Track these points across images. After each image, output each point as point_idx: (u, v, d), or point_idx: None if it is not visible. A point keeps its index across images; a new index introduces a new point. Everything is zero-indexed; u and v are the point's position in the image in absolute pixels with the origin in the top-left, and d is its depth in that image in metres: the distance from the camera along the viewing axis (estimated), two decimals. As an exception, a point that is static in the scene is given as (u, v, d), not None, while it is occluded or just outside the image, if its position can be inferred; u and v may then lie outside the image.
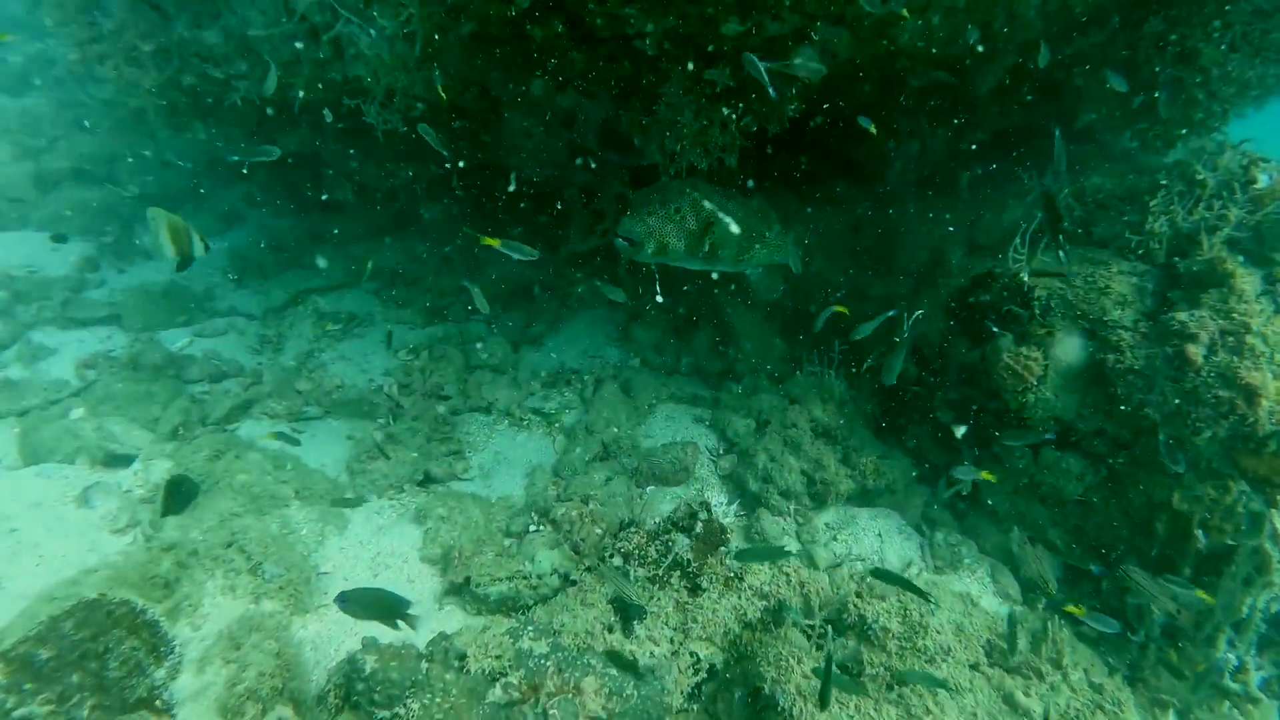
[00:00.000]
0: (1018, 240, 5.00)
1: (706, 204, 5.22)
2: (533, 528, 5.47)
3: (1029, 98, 6.26)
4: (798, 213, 8.39)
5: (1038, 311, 4.88)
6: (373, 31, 4.85)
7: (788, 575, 4.41)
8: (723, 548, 4.49)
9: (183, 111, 6.59)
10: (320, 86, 5.69)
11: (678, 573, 4.40)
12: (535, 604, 4.64)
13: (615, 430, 6.34)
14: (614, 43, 5.74)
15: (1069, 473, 4.96)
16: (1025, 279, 4.92)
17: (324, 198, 10.33)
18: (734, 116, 5.66)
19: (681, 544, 4.46)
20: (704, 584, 4.35)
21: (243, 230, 9.86)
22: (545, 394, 6.88)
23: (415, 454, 5.97)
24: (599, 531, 5.18)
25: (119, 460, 5.79)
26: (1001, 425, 5.19)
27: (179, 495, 5.22)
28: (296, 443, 6.09)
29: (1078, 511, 5.00)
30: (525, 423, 6.51)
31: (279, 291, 8.15)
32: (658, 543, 4.52)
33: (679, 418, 6.71)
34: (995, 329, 5.07)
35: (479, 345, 7.30)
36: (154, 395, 6.34)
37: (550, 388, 6.99)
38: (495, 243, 4.46)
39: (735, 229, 5.35)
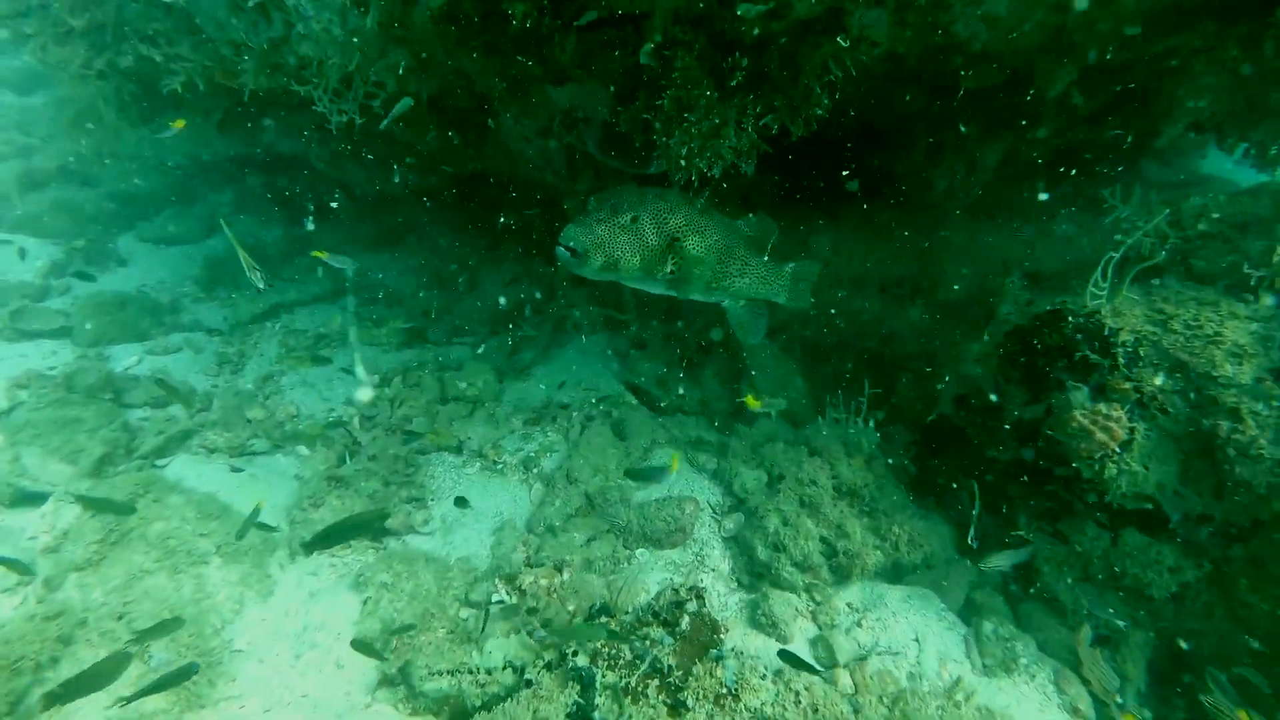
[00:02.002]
0: (1098, 273, 4.02)
1: (672, 217, 4.29)
2: (496, 597, 4.57)
3: (1105, 105, 5.29)
4: (823, 234, 7.49)
5: (1122, 361, 3.89)
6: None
7: (797, 694, 3.44)
8: (714, 650, 3.54)
9: (132, 103, 5.86)
10: (269, 73, 4.91)
11: (656, 682, 3.46)
12: (480, 708, 3.72)
13: (602, 479, 5.42)
14: (611, 26, 4.90)
15: (1159, 564, 3.95)
16: (1107, 320, 3.94)
17: (310, 207, 9.66)
18: (752, 114, 4.77)
19: (663, 643, 3.52)
20: (688, 700, 3.40)
21: (224, 237, 9.15)
22: (526, 432, 5.99)
23: (366, 501, 5.10)
24: (570, 610, 4.25)
25: (29, 499, 4.99)
26: (1071, 496, 4.19)
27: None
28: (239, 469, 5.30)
29: (1171, 611, 3.97)
30: (500, 466, 5.62)
31: (248, 305, 7.39)
32: (634, 639, 3.59)
33: (678, 465, 5.77)
34: (1066, 379, 4.09)
35: (458, 373, 6.44)
36: (82, 422, 5.55)
37: (534, 425, 6.10)
38: (323, 254, 4.16)
39: (707, 252, 4.40)
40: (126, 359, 6.56)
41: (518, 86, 5.81)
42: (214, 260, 8.08)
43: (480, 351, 6.86)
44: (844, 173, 7.05)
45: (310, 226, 8.47)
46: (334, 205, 9.09)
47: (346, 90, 4.61)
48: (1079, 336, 4.07)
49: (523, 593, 4.56)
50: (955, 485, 5.03)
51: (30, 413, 5.56)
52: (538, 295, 7.89)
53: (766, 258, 4.91)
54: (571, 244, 4.07)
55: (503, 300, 7.37)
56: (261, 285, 4.22)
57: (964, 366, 5.09)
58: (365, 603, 4.42)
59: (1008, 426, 4.58)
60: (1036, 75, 4.99)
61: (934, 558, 4.99)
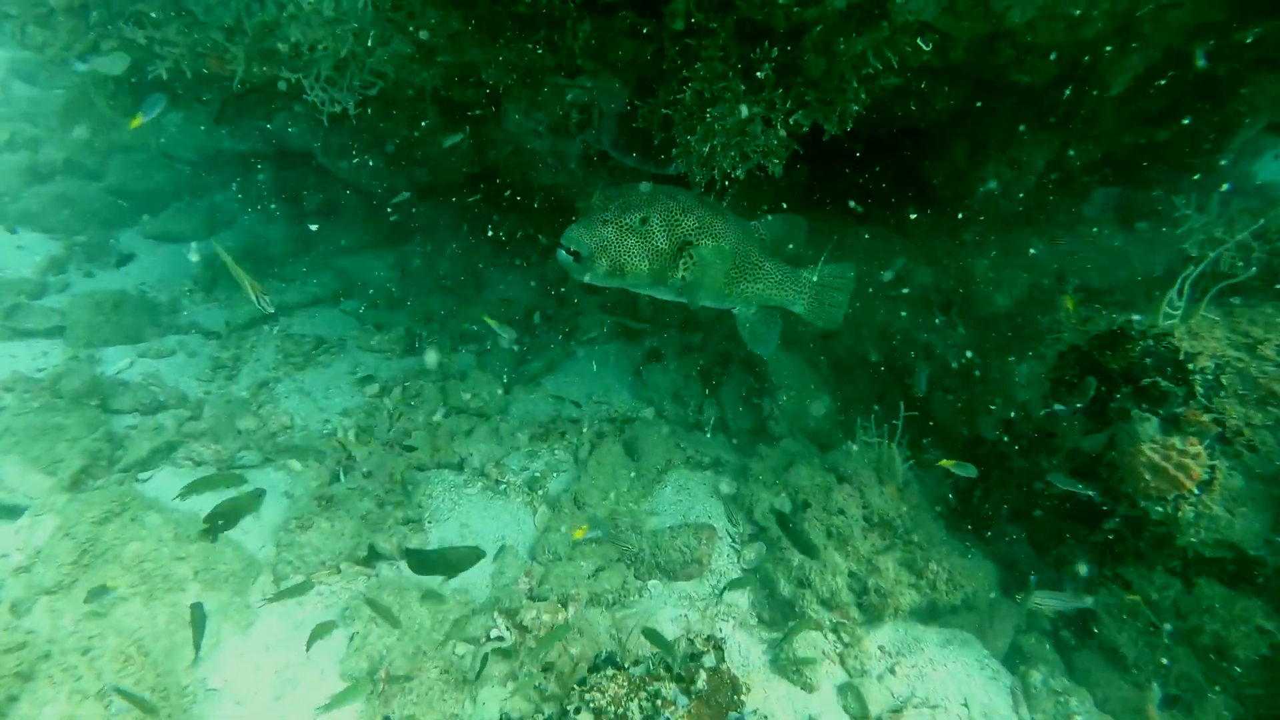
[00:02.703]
0: (1174, 290, 3.56)
1: (685, 219, 3.89)
2: (495, 632, 4.19)
3: (1171, 103, 4.83)
4: (853, 240, 7.06)
5: (1200, 390, 3.44)
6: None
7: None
8: (734, 714, 3.13)
9: (121, 91, 5.55)
10: (261, 60, 4.55)
11: (669, 750, 3.05)
12: (471, 768, 3.34)
13: (611, 503, 5.02)
14: (630, 11, 4.51)
15: (1245, 622, 3.48)
16: (1183, 344, 3.48)
17: (315, 203, 9.35)
18: (782, 110, 4.36)
19: (677, 703, 3.11)
20: (705, 773, 2.99)
21: (228, 235, 8.86)
22: (532, 449, 5.60)
23: (359, 522, 4.73)
24: (573, 655, 3.86)
25: (5, 512, 4.69)
26: (1137, 538, 3.73)
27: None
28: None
29: (1259, 677, 3.50)
30: (503, 487, 5.23)
31: (246, 306, 7.06)
32: (642, 696, 3.19)
33: (695, 489, 5.36)
34: (1132, 408, 3.64)
35: (461, 383, 6.06)
36: (65, 430, 5.22)
37: (540, 441, 5.71)
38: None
39: (722, 257, 4.01)
40: (118, 362, 6.24)
41: (527, 77, 5.43)
42: (215, 259, 7.76)
43: (484, 359, 6.49)
44: (865, 179, 6.63)
45: (313, 227, 8.16)
46: (315, 220, 8.80)
47: (340, 78, 4.24)
48: (1148, 360, 3.62)
49: (524, 630, 4.17)
50: (1001, 518, 4.58)
51: (12, 418, 5.25)
52: (548, 301, 7.52)
53: (782, 261, 4.49)
54: (574, 246, 3.68)
55: (512, 306, 7.01)
56: (270, 309, 3.86)
57: (1010, 387, 4.64)
58: (352, 638, 4.04)
59: (1062, 457, 4.13)
60: (1098, 70, 4.54)
61: (976, 598, 4.54)
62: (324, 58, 4.17)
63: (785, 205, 6.27)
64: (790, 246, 4.47)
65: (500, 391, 6.11)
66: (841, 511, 4.76)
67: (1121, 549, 3.89)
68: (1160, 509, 3.51)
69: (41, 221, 8.60)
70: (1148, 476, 3.52)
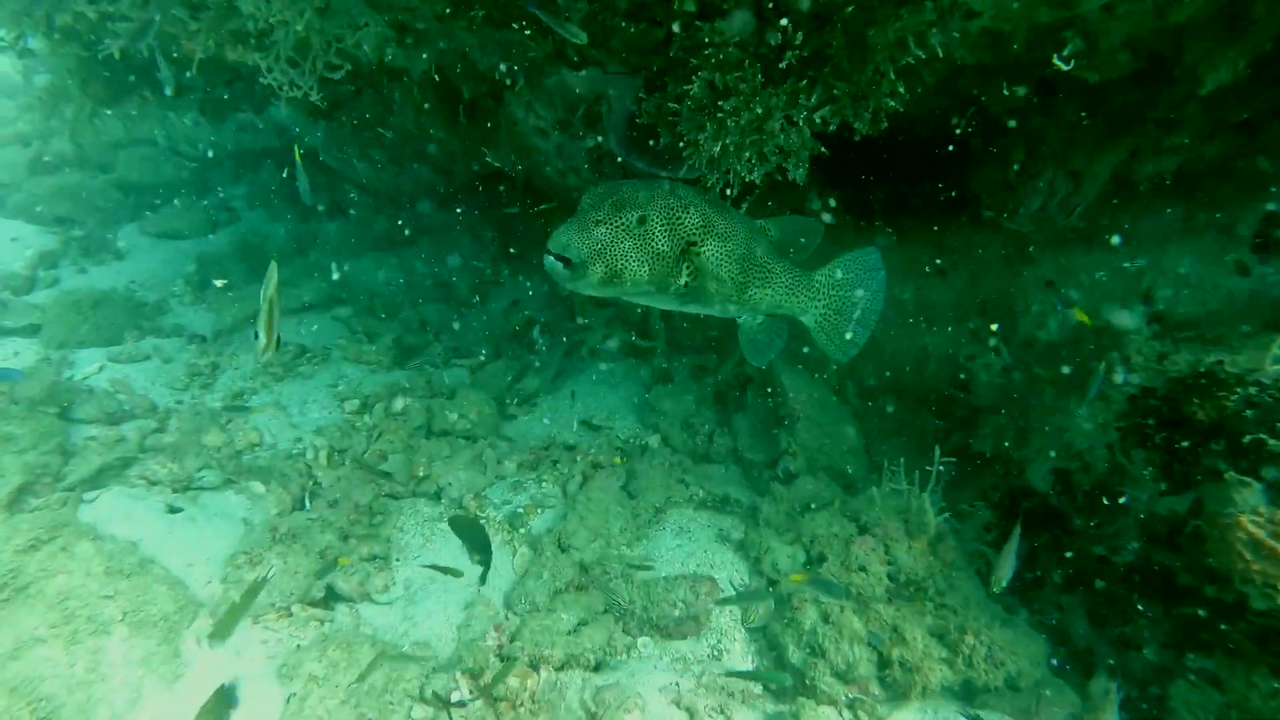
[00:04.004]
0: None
1: (687, 217, 3.44)
2: (456, 695, 3.64)
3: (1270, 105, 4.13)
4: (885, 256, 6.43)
5: (1318, 453, 2.76)
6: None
7: None
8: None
9: (91, 76, 5.15)
10: (228, 40, 4.09)
11: None
12: None
13: (601, 546, 4.44)
14: (632, -11, 3.96)
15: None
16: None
17: (322, 203, 8.95)
18: (805, 106, 3.77)
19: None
20: None
21: (227, 233, 8.48)
22: (519, 480, 5.04)
23: (316, 559, 4.21)
24: (539, 734, 3.28)
25: (-64, 531, 4.26)
26: (1230, 627, 3.05)
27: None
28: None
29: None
30: (481, 522, 4.67)
31: (232, 309, 6.64)
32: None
33: (697, 533, 4.75)
34: (1227, 469, 2.97)
35: (450, 401, 5.54)
36: (14, 440, 4.80)
37: (529, 470, 5.15)
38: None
39: (728, 260, 3.55)
40: (87, 366, 5.84)
41: (527, 68, 4.91)
42: (207, 258, 7.38)
43: (477, 374, 5.96)
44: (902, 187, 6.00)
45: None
46: (320, 220, 8.38)
47: (303, 60, 3.74)
48: (1249, 413, 2.95)
49: (489, 697, 3.61)
50: (1052, 585, 3.90)
51: (-40, 426, 4.86)
52: (555, 312, 6.98)
53: (791, 264, 3.92)
54: (564, 252, 3.21)
55: (511, 317, 6.49)
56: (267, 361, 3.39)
57: (1065, 431, 3.96)
58: (289, 701, 3.51)
59: (1131, 520, 3.45)
60: (1185, 63, 3.87)
61: (1020, 678, 3.86)
62: (284, 37, 3.68)
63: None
64: (796, 251, 3.90)
65: (491, 411, 5.57)
66: (863, 568, 4.13)
67: (1209, 638, 3.20)
68: (1265, 599, 2.83)
69: (39, 214, 8.32)
70: (1248, 555, 2.85)
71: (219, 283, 6.74)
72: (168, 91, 4.67)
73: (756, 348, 3.79)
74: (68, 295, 6.44)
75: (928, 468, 4.14)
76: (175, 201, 8.88)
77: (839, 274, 3.95)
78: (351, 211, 8.64)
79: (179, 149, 9.85)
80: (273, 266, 2.84)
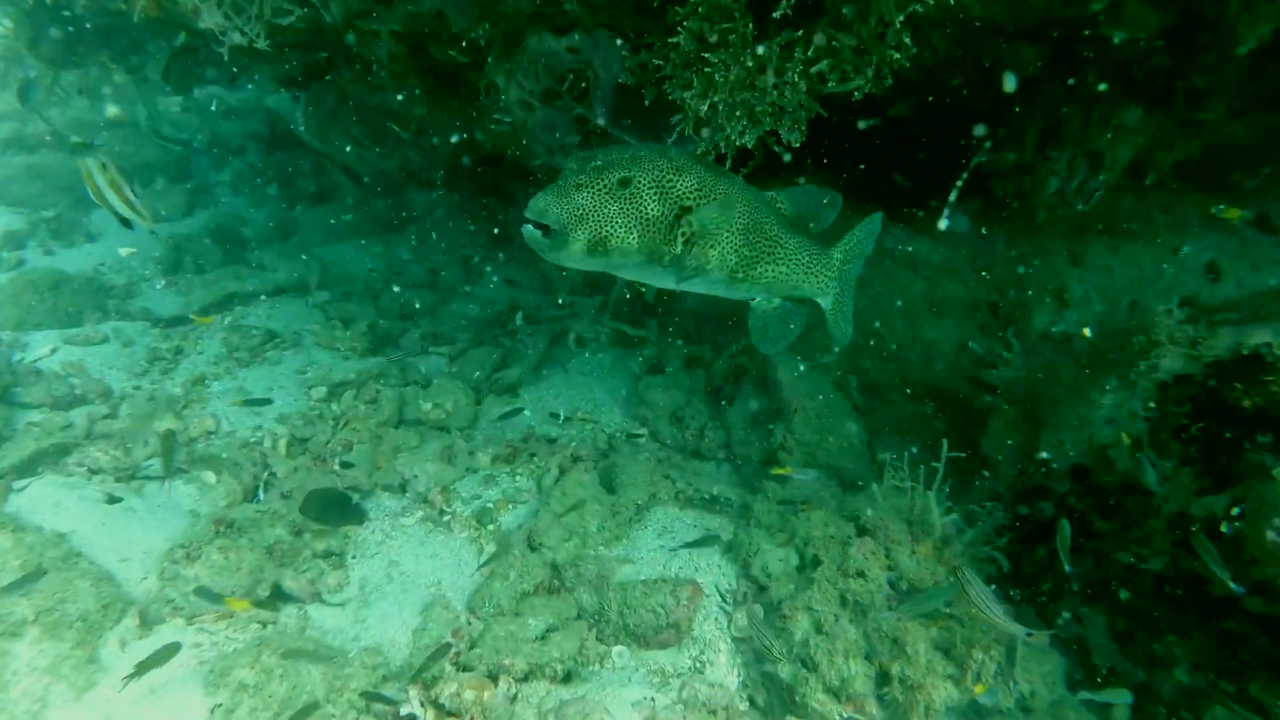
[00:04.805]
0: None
1: (680, 180, 3.09)
2: (405, 709, 3.28)
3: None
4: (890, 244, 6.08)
5: (1386, 445, 2.37)
6: None
7: None
8: None
9: (43, 39, 4.83)
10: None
11: None
12: None
13: (576, 545, 4.07)
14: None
15: None
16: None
17: (308, 186, 8.65)
18: (801, 59, 3.42)
19: None
20: None
21: (205, 215, 8.16)
22: (491, 473, 4.68)
23: (263, 554, 3.85)
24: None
25: None
26: (1276, 641, 2.67)
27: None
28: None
29: None
30: (446, 518, 4.31)
31: (202, 292, 6.30)
32: None
33: (681, 532, 4.38)
34: (1273, 463, 2.58)
35: (425, 390, 5.18)
36: (-51, 424, 4.49)
37: (505, 464, 4.79)
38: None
39: (728, 225, 3.21)
40: (40, 348, 5.50)
41: (506, 31, 4.58)
42: (179, 241, 7.05)
43: (456, 362, 5.60)
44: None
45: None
46: (305, 204, 8.04)
47: (247, 4, 3.40)
48: (1303, 400, 2.57)
49: (440, 710, 3.25)
50: (1069, 594, 3.51)
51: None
52: (532, 298, 6.63)
53: (809, 238, 3.58)
54: (541, 218, 2.92)
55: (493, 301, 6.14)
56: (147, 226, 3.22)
57: (1087, 424, 3.58)
58: (213, 712, 3.14)
59: (1161, 522, 3.07)
60: (1225, 19, 3.49)
61: (1034, 698, 3.48)
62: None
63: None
64: (812, 225, 3.55)
65: (468, 402, 5.21)
66: (861, 573, 3.75)
67: (1250, 657, 2.82)
68: (1317, 613, 2.45)
69: (8, 194, 8.02)
70: (1297, 564, 2.46)
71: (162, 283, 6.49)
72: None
73: (767, 334, 3.44)
74: (24, 275, 6.12)
75: (934, 464, 3.75)
76: (155, 184, 8.57)
77: (854, 247, 3.64)
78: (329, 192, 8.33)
79: (161, 131, 9.54)
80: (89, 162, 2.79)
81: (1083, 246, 5.45)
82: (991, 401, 4.52)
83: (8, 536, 3.58)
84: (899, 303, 6.00)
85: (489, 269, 7.26)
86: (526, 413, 5.30)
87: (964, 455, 3.82)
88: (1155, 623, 3.15)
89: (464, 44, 4.78)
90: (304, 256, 7.00)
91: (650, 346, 5.99)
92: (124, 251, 5.87)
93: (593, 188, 3.02)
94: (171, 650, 3.21)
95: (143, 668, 3.07)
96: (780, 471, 4.11)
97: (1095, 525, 3.34)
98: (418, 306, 6.42)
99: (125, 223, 3.37)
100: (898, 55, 3.38)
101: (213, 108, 9.98)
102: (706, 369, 5.82)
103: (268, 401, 5.06)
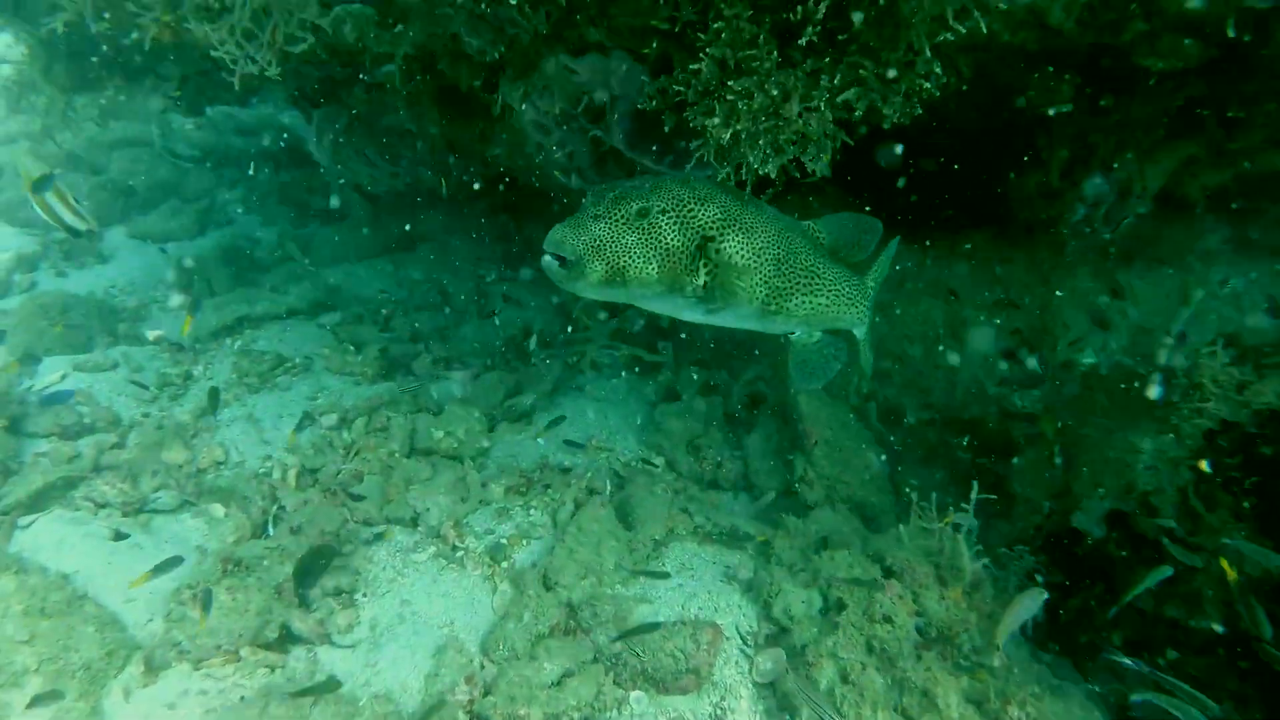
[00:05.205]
0: None
1: (702, 209, 3.07)
2: (418, 761, 3.15)
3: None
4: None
5: None
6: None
7: None
8: None
9: (56, 61, 4.78)
10: (189, 13, 3.68)
11: None
12: None
13: (592, 585, 3.95)
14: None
15: None
16: None
17: (320, 206, 8.60)
18: (828, 88, 3.31)
19: None
20: None
21: (217, 236, 8.11)
22: (505, 506, 4.57)
23: (271, 594, 3.75)
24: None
25: None
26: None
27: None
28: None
29: None
30: (460, 554, 4.20)
31: (212, 315, 6.23)
32: None
33: (701, 570, 4.25)
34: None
35: (436, 418, 5.08)
36: (-48, 456, 4.42)
37: (518, 495, 4.68)
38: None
39: (756, 256, 3.12)
40: (49, 375, 5.44)
41: (522, 51, 4.49)
42: (185, 262, 6.99)
43: (468, 389, 5.50)
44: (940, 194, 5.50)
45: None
46: (317, 224, 7.97)
47: (260, 31, 3.32)
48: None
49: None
50: (1109, 646, 3.36)
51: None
52: (557, 323, 6.53)
53: (846, 267, 3.50)
54: (559, 250, 2.90)
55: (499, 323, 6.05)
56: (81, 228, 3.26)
57: (1125, 468, 3.44)
58: (219, 767, 3.04)
59: (1213, 578, 2.92)
60: (1271, 48, 3.36)
61: (1070, 755, 3.33)
62: (242, 6, 3.25)
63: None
64: (852, 254, 3.47)
65: (480, 429, 5.11)
66: (888, 619, 3.61)
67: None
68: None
69: (21, 215, 7.99)
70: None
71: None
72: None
73: (807, 369, 3.36)
74: (35, 299, 6.07)
75: (963, 505, 3.62)
76: (166, 203, 8.53)
77: (883, 273, 3.58)
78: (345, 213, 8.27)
79: (175, 150, 9.53)
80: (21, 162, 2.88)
81: (1108, 275, 5.32)
82: (1020, 432, 4.38)
83: (11, 579, 3.49)
84: (918, 327, 5.89)
85: (504, 289, 7.17)
86: (540, 441, 5.19)
87: (994, 497, 3.67)
88: (1215, 686, 2.99)
89: (478, 65, 4.71)
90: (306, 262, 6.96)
91: (666, 372, 5.88)
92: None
93: (610, 218, 3.00)
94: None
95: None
96: None
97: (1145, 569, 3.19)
98: (429, 329, 6.33)
99: (74, 232, 3.41)
100: (928, 85, 3.28)
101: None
102: (724, 395, 5.71)
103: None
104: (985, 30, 3.08)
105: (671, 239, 3.03)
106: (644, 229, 3.01)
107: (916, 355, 5.84)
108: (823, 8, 3.20)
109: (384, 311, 6.51)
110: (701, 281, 3.10)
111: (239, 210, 8.98)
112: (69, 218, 3.47)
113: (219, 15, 3.42)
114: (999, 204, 5.41)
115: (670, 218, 3.03)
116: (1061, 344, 5.49)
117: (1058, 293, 5.45)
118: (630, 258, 2.95)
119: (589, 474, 4.78)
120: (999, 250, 5.78)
